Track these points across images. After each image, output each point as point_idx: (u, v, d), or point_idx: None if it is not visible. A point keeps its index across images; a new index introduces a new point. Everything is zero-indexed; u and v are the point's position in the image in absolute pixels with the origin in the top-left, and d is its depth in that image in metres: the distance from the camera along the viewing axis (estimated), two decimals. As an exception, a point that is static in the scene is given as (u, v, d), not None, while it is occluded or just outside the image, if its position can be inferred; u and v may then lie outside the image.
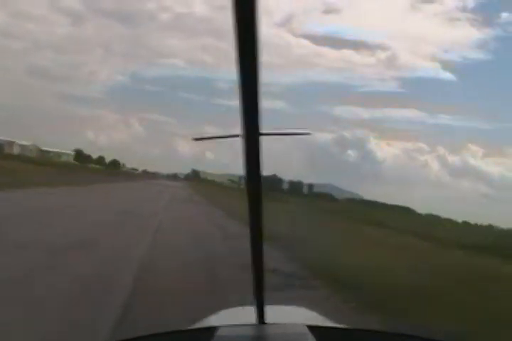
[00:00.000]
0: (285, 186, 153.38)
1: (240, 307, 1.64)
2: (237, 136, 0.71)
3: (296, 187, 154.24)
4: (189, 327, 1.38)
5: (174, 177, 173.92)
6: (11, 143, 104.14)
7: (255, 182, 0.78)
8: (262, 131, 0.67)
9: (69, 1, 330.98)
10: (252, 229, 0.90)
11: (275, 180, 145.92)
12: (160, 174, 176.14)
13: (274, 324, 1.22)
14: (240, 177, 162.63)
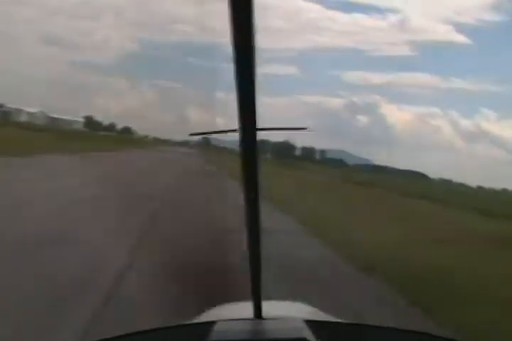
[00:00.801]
0: (297, 152, 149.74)
1: (238, 302, 1.59)
2: (234, 130, 0.72)
3: (308, 153, 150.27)
4: (186, 322, 1.34)
5: (186, 144, 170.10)
6: (19, 111, 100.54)
7: (252, 176, 0.76)
8: (259, 126, 0.68)
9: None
10: (248, 223, 0.87)
11: (288, 147, 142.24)
12: (171, 141, 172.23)
13: (271, 319, 1.19)
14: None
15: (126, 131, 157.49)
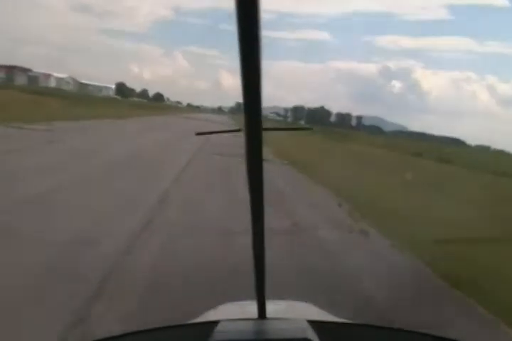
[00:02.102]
0: (333, 119, 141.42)
1: (241, 302, 1.56)
2: (239, 130, 0.71)
3: (344, 119, 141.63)
4: (189, 322, 1.32)
5: (219, 110, 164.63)
6: (48, 76, 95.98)
7: (257, 176, 0.74)
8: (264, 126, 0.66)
9: None
10: (253, 222, 0.86)
11: (323, 113, 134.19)
12: (204, 107, 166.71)
13: (274, 319, 1.16)
14: (285, 110, 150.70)
15: (159, 97, 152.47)
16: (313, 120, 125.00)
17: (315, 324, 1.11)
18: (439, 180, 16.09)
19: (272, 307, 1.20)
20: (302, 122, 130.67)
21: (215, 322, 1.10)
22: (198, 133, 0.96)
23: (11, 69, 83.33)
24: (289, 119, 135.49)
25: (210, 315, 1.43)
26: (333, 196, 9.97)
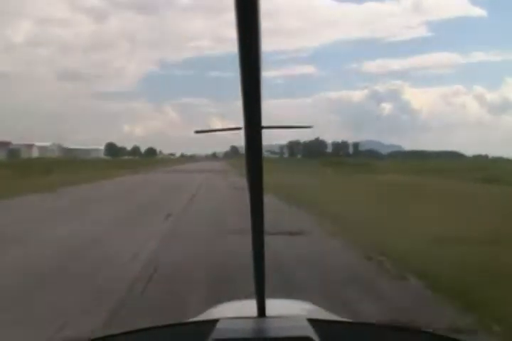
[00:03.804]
0: (329, 149, 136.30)
1: (241, 301, 1.57)
2: (238, 128, 0.73)
3: (341, 148, 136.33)
4: (190, 320, 1.34)
5: (213, 156, 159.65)
6: (30, 146, 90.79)
7: (257, 175, 0.74)
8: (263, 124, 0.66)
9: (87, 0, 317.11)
10: (253, 222, 0.86)
11: (319, 144, 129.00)
12: (198, 156, 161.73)
13: (274, 317, 1.16)
14: (280, 147, 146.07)
15: (151, 152, 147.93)
16: (309, 153, 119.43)
17: (315, 322, 1.08)
18: None
19: (272, 306, 1.17)
20: (299, 156, 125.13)
21: (215, 321, 1.08)
22: (197, 131, 0.96)
23: (-11, 145, 78.25)
24: (285, 155, 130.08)
25: (210, 314, 1.41)
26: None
